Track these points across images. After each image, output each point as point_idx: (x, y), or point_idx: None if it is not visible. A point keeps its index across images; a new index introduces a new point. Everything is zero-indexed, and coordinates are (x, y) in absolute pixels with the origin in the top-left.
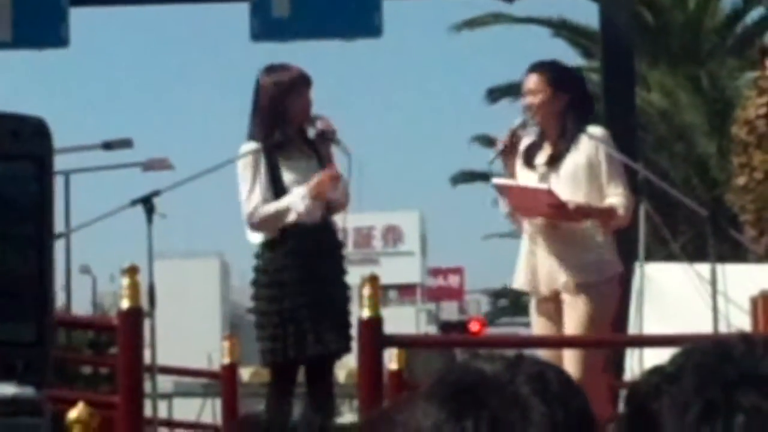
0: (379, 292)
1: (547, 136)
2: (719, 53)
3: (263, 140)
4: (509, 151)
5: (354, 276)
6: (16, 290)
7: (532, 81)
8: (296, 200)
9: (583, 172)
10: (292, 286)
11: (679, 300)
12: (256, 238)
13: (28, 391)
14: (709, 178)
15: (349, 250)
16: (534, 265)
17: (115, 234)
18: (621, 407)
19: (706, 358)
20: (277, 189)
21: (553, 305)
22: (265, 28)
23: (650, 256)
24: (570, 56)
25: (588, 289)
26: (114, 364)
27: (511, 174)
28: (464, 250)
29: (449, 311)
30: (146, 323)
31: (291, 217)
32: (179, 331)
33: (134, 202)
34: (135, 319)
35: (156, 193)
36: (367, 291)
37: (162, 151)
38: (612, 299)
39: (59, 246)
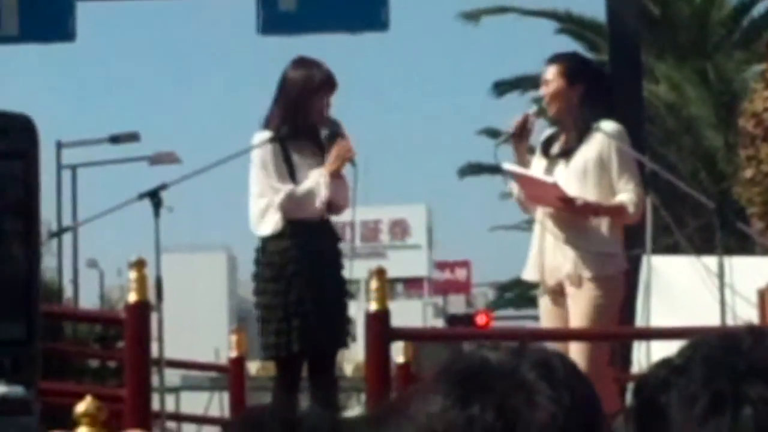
0: (386, 285)
1: (563, 128)
2: (726, 46)
3: (276, 130)
4: (520, 135)
5: (361, 269)
6: (3, 288)
7: (549, 72)
8: (320, 181)
9: (593, 166)
10: (298, 279)
11: (686, 292)
12: (265, 230)
13: (17, 390)
14: (716, 171)
15: (356, 243)
16: (542, 255)
17: (123, 228)
18: (628, 400)
19: (713, 351)
20: (291, 179)
21: (559, 296)
22: (272, 21)
23: (657, 249)
24: (576, 49)
25: (591, 282)
26: (121, 357)
27: (520, 160)
28: (471, 244)
29: (456, 304)
30: (153, 317)
31: (319, 200)
32: (187, 325)
33: (141, 196)
34: (142, 312)
35: (163, 187)
36: (374, 284)
37: (169, 144)
38: (616, 293)
39: (66, 240)
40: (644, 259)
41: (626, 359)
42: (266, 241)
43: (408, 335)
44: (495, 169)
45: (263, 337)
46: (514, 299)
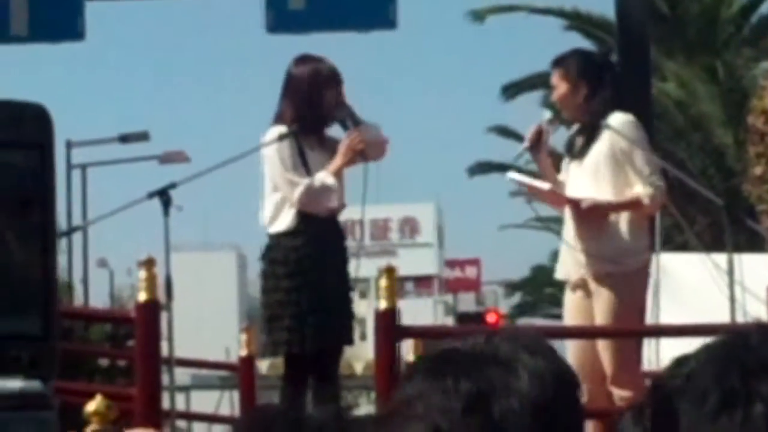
0: (396, 283)
1: (582, 126)
2: (735, 43)
3: (290, 126)
4: (536, 146)
5: (371, 268)
6: (19, 283)
7: (554, 76)
8: (329, 176)
9: (605, 162)
10: (312, 276)
11: (696, 290)
12: (279, 226)
13: (35, 384)
14: (725, 168)
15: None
16: (567, 251)
17: (132, 227)
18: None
19: (724, 348)
20: (307, 173)
21: (582, 291)
22: (281, 20)
23: (667, 247)
24: (584, 47)
25: (611, 279)
26: (132, 356)
27: (543, 168)
28: (481, 241)
29: (466, 302)
30: (163, 316)
31: (334, 194)
32: (197, 324)
33: (151, 195)
34: (152, 311)
35: (173, 186)
36: (383, 282)
37: (179, 143)
38: (637, 288)
39: (77, 239)
40: (654, 256)
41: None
42: (279, 237)
43: (418, 333)
44: (505, 168)
45: (273, 334)
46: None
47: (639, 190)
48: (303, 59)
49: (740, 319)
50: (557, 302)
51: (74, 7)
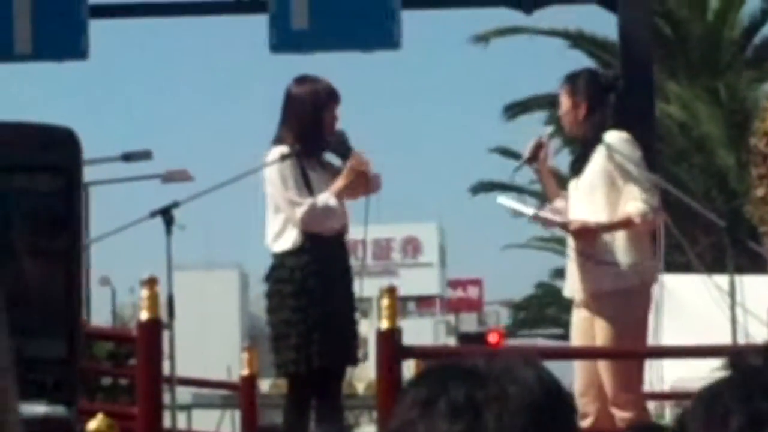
0: (398, 303)
1: (581, 145)
2: (738, 65)
3: (291, 146)
4: (535, 160)
5: (373, 287)
6: (44, 306)
7: (561, 93)
8: (332, 197)
9: (599, 179)
10: (318, 294)
11: (697, 311)
12: (283, 245)
13: (59, 409)
14: (728, 190)
15: (367, 261)
16: (572, 268)
17: (135, 245)
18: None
19: (749, 370)
20: (309, 193)
21: (586, 310)
22: (284, 39)
23: (669, 268)
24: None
25: (610, 297)
26: (133, 375)
27: (544, 183)
28: (483, 262)
29: (468, 323)
30: (165, 334)
31: (334, 216)
32: (198, 343)
33: (153, 214)
34: (154, 330)
35: (175, 205)
36: (385, 302)
37: (181, 162)
38: (638, 307)
39: None
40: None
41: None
42: (283, 257)
43: (419, 353)
44: (507, 188)
45: (280, 353)
46: (528, 319)
47: (630, 209)
48: (302, 80)
49: (742, 340)
50: (557, 322)
51: (78, 25)
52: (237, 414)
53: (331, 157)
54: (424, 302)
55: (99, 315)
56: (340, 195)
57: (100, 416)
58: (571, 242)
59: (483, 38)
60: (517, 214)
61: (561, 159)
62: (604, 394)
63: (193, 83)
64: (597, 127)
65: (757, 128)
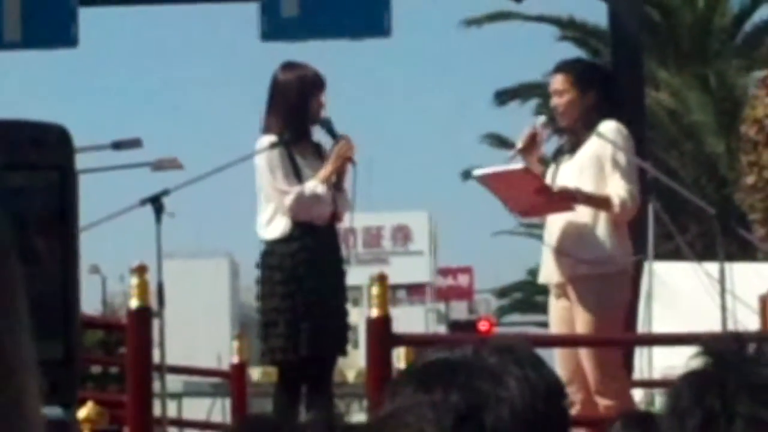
0: (389, 291)
1: (574, 135)
2: (727, 53)
3: (280, 134)
4: (529, 148)
5: (363, 276)
6: (40, 306)
7: (558, 81)
8: (319, 184)
9: (588, 164)
10: (308, 282)
11: (687, 298)
12: (273, 233)
13: (56, 411)
14: (718, 177)
15: (358, 249)
16: (548, 257)
17: (125, 234)
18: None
19: (702, 369)
20: (298, 181)
21: (564, 298)
22: (275, 27)
23: (659, 255)
24: (578, 56)
25: (587, 281)
26: (123, 363)
27: (531, 169)
28: (474, 250)
29: (459, 311)
30: (155, 323)
31: (324, 202)
32: (188, 331)
33: (143, 202)
34: (144, 318)
35: (165, 193)
36: (375, 290)
37: (171, 150)
38: (616, 293)
39: None
40: (646, 265)
41: (628, 365)
42: (274, 244)
43: (409, 341)
44: None
45: (268, 341)
46: (517, 304)
47: (610, 192)
48: (288, 66)
49: (732, 328)
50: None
51: (67, 13)
52: (227, 402)
53: (320, 136)
54: (414, 290)
55: (89, 303)
56: (327, 181)
57: (90, 404)
58: (550, 227)
59: (473, 23)
60: (503, 176)
61: (549, 146)
62: (587, 383)
63: (184, 71)
64: (600, 117)
65: (746, 116)
